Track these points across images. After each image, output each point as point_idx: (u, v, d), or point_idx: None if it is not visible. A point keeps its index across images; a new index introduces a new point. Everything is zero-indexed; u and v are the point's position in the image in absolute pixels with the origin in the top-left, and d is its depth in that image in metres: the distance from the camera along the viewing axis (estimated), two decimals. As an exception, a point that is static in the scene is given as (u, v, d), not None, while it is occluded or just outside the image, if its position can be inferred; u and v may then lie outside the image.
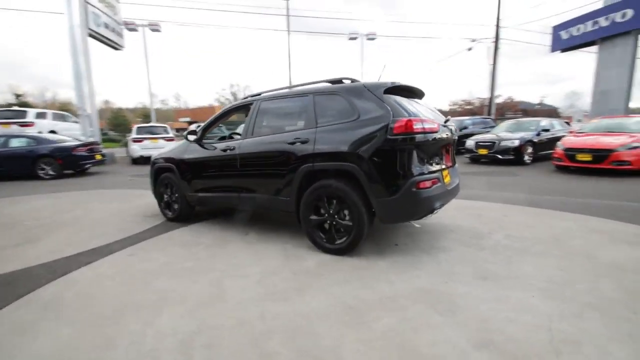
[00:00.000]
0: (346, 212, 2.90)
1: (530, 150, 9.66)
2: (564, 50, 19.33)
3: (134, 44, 18.60)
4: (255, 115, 3.56)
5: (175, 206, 4.38)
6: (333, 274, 2.58)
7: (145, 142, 12.75)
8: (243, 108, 3.93)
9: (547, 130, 10.26)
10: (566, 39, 18.81)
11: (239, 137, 5.06)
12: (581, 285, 2.28)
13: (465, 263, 2.71)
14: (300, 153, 3.05)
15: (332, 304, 2.13)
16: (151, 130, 13.54)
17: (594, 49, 17.41)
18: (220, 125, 4.38)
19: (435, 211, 2.82)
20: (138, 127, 13.58)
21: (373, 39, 19.01)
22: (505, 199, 5.21)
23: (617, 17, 15.72)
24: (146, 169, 5.42)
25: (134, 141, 12.82)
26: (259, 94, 3.80)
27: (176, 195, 4.33)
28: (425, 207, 2.71)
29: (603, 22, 16.37)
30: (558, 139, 10.51)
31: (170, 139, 13.16)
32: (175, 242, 3.59)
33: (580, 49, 18.75)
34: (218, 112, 4.09)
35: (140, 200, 5.87)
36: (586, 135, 8.10)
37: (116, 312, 2.12)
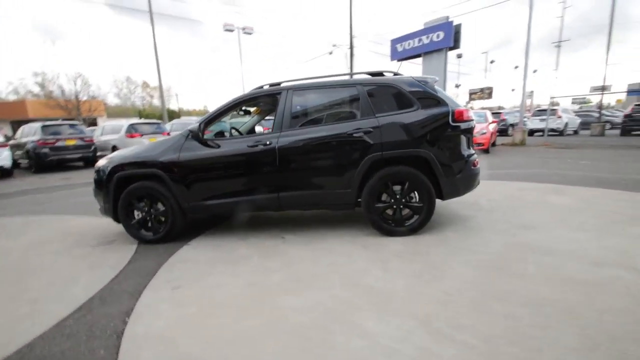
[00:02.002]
0: (413, 194, 3.16)
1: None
2: (399, 60, 24.37)
3: None
4: (289, 106, 3.26)
5: (157, 224, 3.47)
6: (433, 250, 2.82)
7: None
8: (261, 98, 3.50)
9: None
10: (401, 51, 23.69)
11: (236, 133, 4.36)
12: (575, 220, 3.38)
13: (499, 222, 3.45)
14: (364, 143, 3.07)
15: (479, 267, 2.41)
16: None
17: (420, 60, 22.66)
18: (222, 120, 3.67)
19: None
20: None
21: (250, 33, 18.67)
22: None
23: (434, 37, 21.01)
24: None
25: None
26: (278, 84, 3.47)
27: (162, 209, 3.43)
28: (476, 181, 3.28)
29: (425, 40, 21.48)
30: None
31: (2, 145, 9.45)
32: (201, 262, 2.91)
33: (411, 60, 24.04)
34: (225, 103, 3.45)
35: (42, 231, 4.19)
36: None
37: (302, 337, 1.73)
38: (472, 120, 3.24)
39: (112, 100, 46.29)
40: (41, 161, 9.95)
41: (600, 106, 17.92)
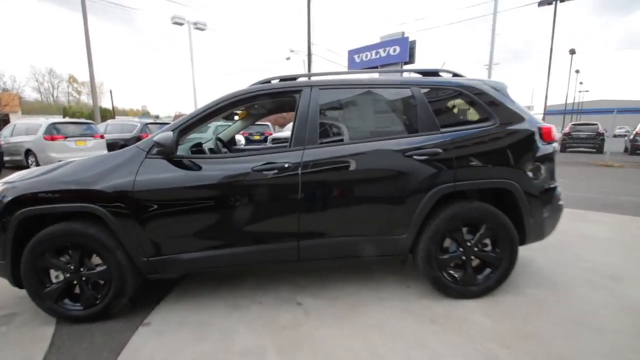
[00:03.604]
0: (486, 240, 2.29)
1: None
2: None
3: None
4: (314, 111, 2.19)
5: (91, 290, 2.13)
6: (537, 326, 1.95)
7: None
8: (266, 98, 2.36)
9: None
10: (358, 62, 23.74)
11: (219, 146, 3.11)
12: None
13: (569, 267, 2.77)
14: (429, 168, 2.13)
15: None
16: None
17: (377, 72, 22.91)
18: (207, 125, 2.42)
19: None
20: None
21: (203, 29, 16.77)
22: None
23: (391, 51, 21.32)
24: None
25: None
26: (294, 78, 2.38)
27: (99, 269, 2.10)
28: (558, 221, 2.52)
29: (382, 53, 21.76)
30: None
31: None
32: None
33: (368, 71, 24.23)
34: (212, 102, 2.24)
35: None
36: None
37: None
38: (557, 141, 2.51)
39: (30, 95, 39.88)
40: None
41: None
